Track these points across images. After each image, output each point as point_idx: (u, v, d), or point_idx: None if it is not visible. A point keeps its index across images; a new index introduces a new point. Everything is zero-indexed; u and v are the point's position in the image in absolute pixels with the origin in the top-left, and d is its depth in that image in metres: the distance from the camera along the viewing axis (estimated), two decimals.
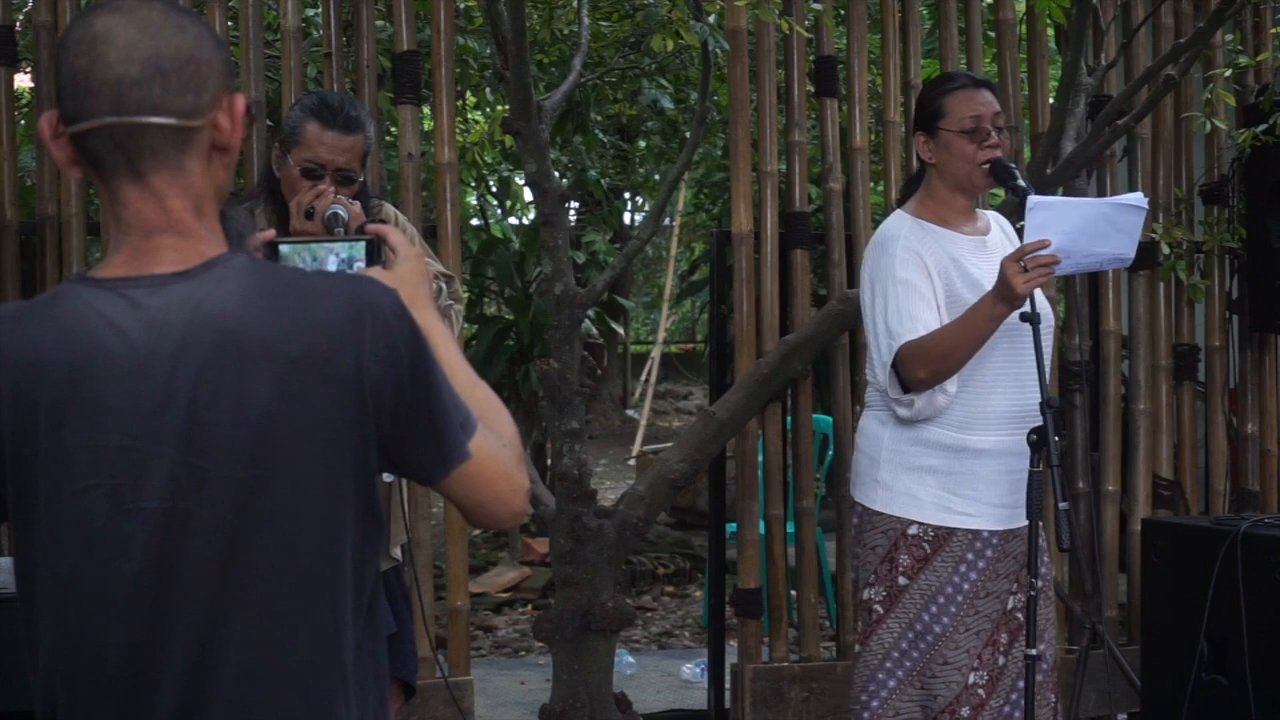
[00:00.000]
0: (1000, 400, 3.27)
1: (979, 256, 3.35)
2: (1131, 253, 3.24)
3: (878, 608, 3.33)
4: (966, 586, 3.28)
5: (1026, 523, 3.07)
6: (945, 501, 3.28)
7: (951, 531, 3.28)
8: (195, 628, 1.55)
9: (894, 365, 3.27)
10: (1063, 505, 3.00)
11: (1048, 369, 3.22)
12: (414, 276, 1.80)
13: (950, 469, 3.28)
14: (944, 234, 3.35)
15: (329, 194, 3.11)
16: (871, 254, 3.39)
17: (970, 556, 3.28)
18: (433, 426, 1.62)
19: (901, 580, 3.30)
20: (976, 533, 3.28)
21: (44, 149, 3.94)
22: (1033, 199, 3.11)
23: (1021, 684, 3.28)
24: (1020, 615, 3.31)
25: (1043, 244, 3.07)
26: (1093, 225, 3.15)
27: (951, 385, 3.25)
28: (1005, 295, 3.09)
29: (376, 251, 1.86)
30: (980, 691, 3.28)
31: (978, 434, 3.27)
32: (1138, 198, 3.24)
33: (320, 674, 1.59)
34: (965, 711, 3.27)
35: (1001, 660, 3.30)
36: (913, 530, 3.30)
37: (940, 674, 3.29)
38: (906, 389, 3.27)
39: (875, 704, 3.34)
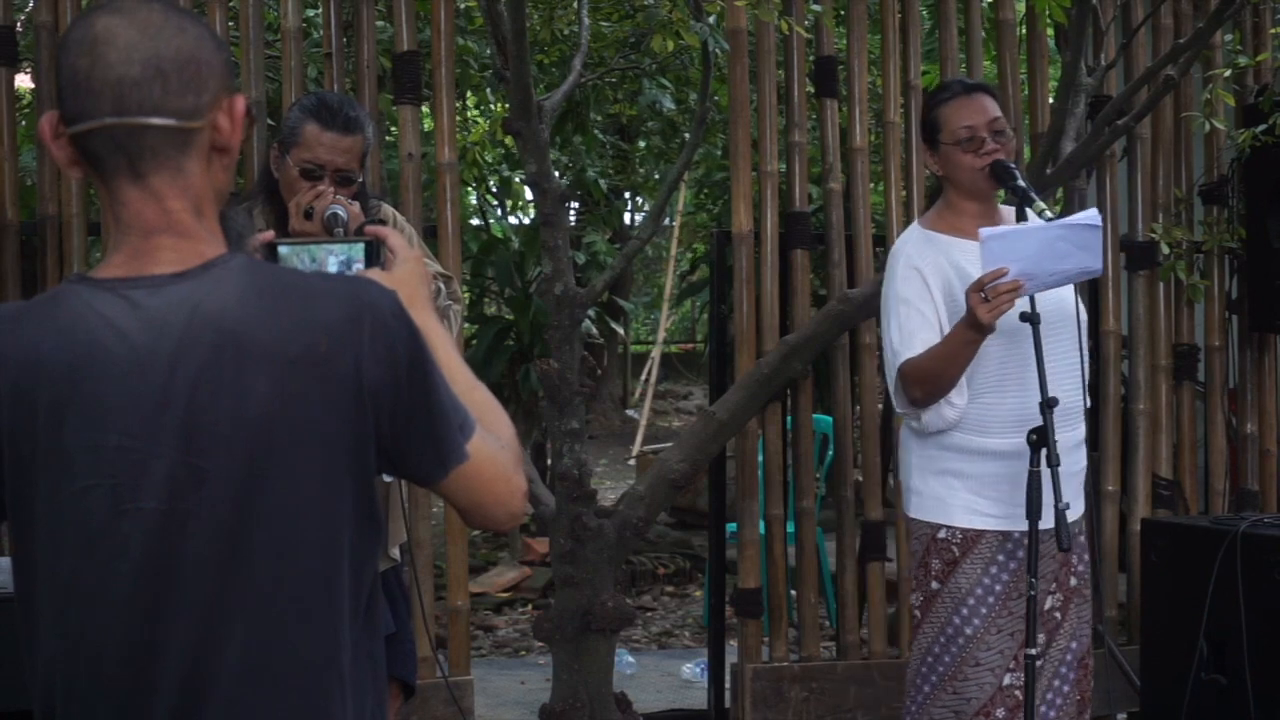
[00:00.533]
0: (1017, 402, 3.28)
1: None
2: (1098, 264, 3.21)
3: (916, 613, 3.39)
4: (998, 588, 3.28)
5: (1056, 524, 3.07)
6: (973, 504, 3.30)
7: (981, 534, 3.29)
8: (194, 628, 1.55)
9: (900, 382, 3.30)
10: (1062, 505, 3.01)
11: (1084, 365, 3.24)
12: (413, 278, 1.80)
13: (976, 472, 3.30)
14: (952, 242, 3.36)
15: (328, 194, 3.11)
16: (885, 271, 3.46)
17: (1001, 558, 3.29)
18: (431, 427, 1.62)
19: (934, 585, 3.33)
20: (1007, 534, 3.28)
21: (44, 149, 3.94)
22: (984, 231, 3.12)
23: (1057, 683, 3.34)
24: (1058, 615, 3.34)
25: (1000, 273, 3.07)
26: (1050, 248, 3.13)
27: (959, 397, 3.27)
28: (973, 325, 3.12)
29: (375, 252, 1.86)
30: (1017, 693, 3.27)
31: (997, 437, 3.28)
32: (1091, 215, 3.21)
33: (318, 674, 1.59)
34: (1001, 713, 3.27)
35: (1039, 661, 3.30)
36: (941, 534, 3.32)
37: (972, 676, 3.29)
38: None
39: (914, 708, 3.37)
